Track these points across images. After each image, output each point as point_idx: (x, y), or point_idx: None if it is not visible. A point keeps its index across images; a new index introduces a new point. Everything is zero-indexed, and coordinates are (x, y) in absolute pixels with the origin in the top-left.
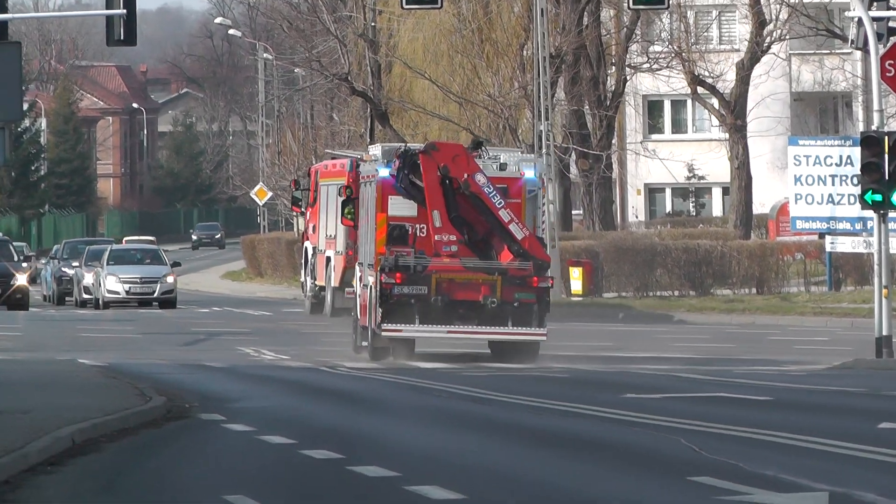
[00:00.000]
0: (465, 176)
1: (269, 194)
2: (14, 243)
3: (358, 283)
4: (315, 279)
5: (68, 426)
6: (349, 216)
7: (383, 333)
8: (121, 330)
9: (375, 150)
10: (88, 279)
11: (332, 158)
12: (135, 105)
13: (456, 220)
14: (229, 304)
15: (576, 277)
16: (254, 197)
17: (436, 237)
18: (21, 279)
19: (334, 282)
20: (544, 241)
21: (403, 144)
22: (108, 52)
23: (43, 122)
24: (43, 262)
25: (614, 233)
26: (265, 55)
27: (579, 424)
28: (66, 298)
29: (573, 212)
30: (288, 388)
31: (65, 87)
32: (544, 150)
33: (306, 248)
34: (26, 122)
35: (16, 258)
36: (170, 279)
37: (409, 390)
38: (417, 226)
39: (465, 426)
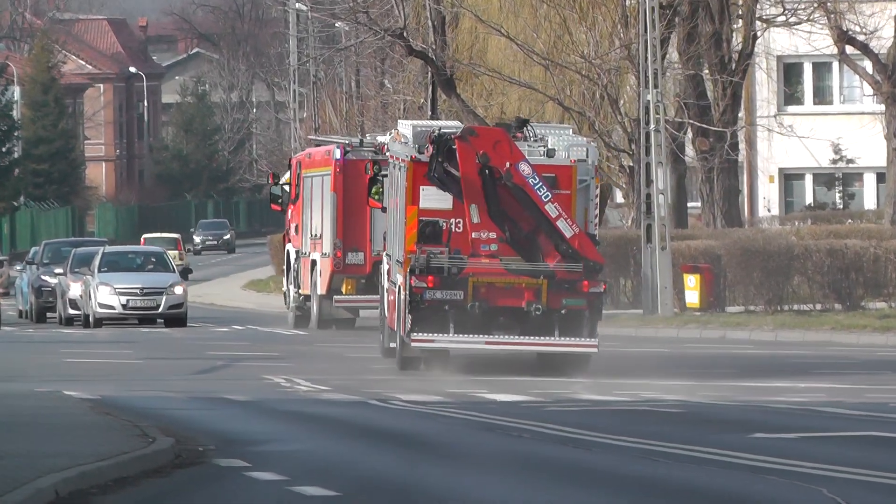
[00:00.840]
0: (508, 165)
1: None
2: None
3: (385, 277)
4: (299, 287)
5: (50, 475)
6: (377, 197)
7: (413, 344)
8: (117, 354)
9: (406, 129)
10: (75, 290)
11: (317, 145)
12: (132, 69)
13: (496, 216)
14: (254, 320)
15: (692, 287)
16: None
17: (473, 234)
18: None
19: (321, 289)
20: (596, 240)
21: (437, 128)
22: (99, 2)
23: (16, 92)
24: (17, 268)
25: (740, 231)
26: (298, 4)
27: (699, 472)
28: (48, 314)
29: (689, 204)
30: (328, 426)
31: (43, 47)
32: (652, 126)
33: (288, 251)
34: None
35: None
36: (178, 290)
37: (482, 430)
38: (453, 221)
39: (559, 477)
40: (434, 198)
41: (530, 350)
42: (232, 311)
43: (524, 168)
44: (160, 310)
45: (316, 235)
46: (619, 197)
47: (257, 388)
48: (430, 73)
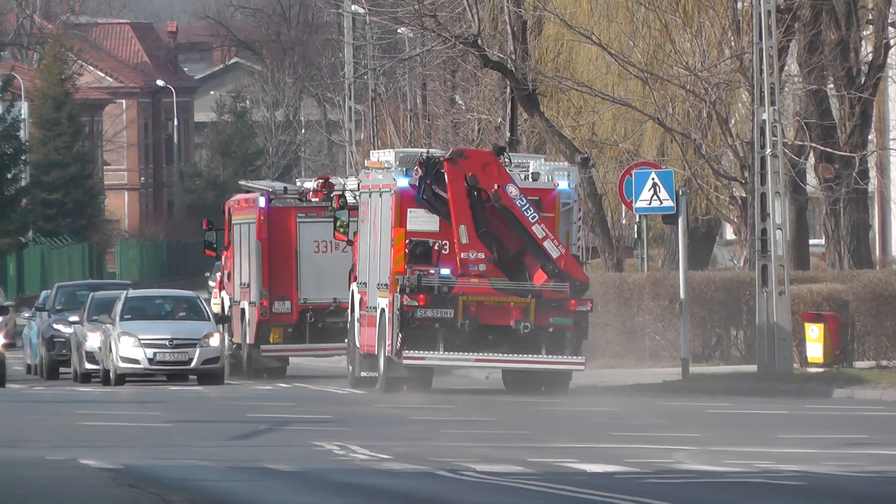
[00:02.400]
0: (496, 187)
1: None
2: None
3: (357, 306)
4: (232, 336)
5: None
6: (342, 230)
7: (404, 361)
8: (142, 416)
9: (388, 156)
10: (93, 341)
11: (247, 191)
12: (160, 82)
13: (485, 237)
14: (302, 376)
15: (814, 338)
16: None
17: (462, 255)
18: None
19: (249, 338)
20: (581, 260)
21: (426, 150)
22: (120, 3)
23: (23, 108)
24: (26, 315)
25: (871, 272)
26: (354, 7)
27: None
28: (61, 369)
29: (811, 241)
30: (390, 502)
31: (55, 56)
32: (768, 150)
33: (223, 299)
34: None
35: None
36: (214, 341)
37: None
38: (441, 242)
39: None
40: (421, 220)
41: (518, 367)
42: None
43: (512, 190)
44: (193, 365)
45: (244, 284)
46: (728, 233)
47: (306, 455)
48: (508, 88)
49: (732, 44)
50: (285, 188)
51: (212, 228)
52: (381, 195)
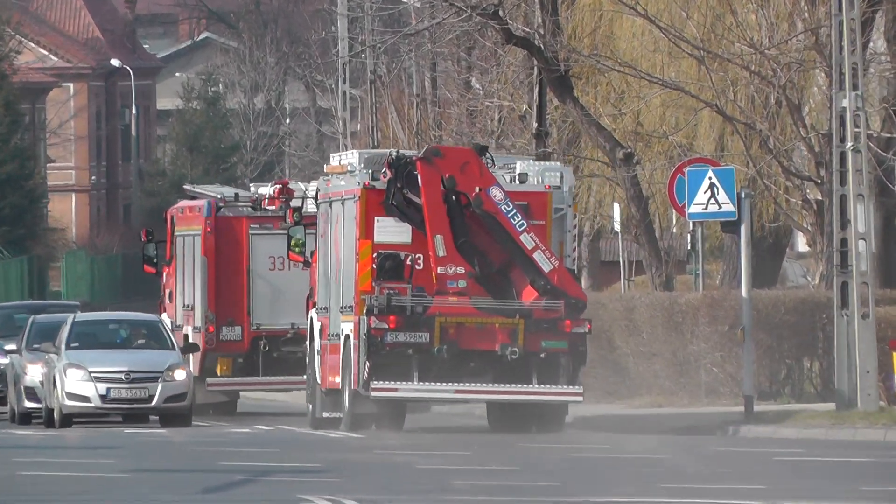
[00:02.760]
0: (478, 190)
1: None
2: None
3: (318, 336)
4: None
5: None
6: (297, 250)
7: (373, 394)
8: (93, 465)
9: (351, 157)
10: (34, 374)
11: (191, 198)
12: (115, 62)
13: (465, 248)
14: (287, 417)
15: None
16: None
17: (439, 269)
18: None
19: (193, 370)
20: (576, 275)
21: (395, 150)
22: None
23: None
24: None
25: None
26: None
27: None
28: None
29: None
30: None
31: None
32: (849, 144)
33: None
34: None
35: None
36: (179, 375)
37: None
38: (414, 255)
39: None
40: (391, 230)
41: (505, 399)
42: (256, 401)
43: (496, 193)
44: (154, 403)
45: (187, 306)
46: (801, 244)
47: None
48: (535, 69)
49: (806, 16)
50: (236, 195)
51: (151, 240)
52: (343, 203)
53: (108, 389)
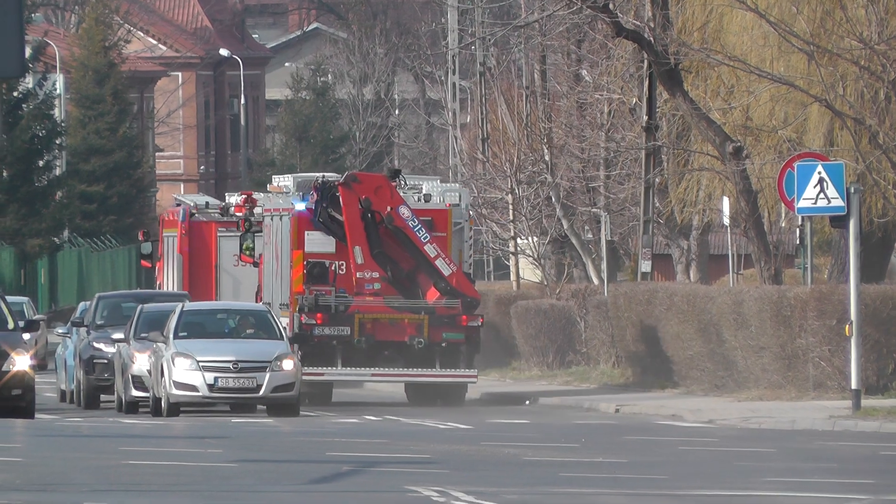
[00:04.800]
0: (389, 209)
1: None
2: (8, 298)
3: None
4: None
5: None
6: (248, 252)
7: (303, 377)
8: (199, 455)
9: (286, 181)
10: (142, 363)
11: (177, 205)
12: (224, 52)
13: (379, 257)
14: (394, 409)
15: None
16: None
17: (358, 274)
18: (20, 362)
19: None
20: (472, 278)
21: (321, 176)
22: None
23: (58, 82)
24: (59, 331)
25: None
26: None
27: None
28: (103, 397)
29: None
30: None
31: (97, 19)
32: None
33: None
34: (28, 81)
35: (10, 325)
36: (287, 364)
37: None
38: (337, 263)
39: None
40: (318, 242)
41: (413, 381)
42: (363, 394)
43: (404, 211)
44: (262, 392)
45: None
46: None
47: (398, 503)
48: (645, 62)
49: None
50: (207, 203)
51: (147, 239)
52: (280, 218)
53: (216, 379)
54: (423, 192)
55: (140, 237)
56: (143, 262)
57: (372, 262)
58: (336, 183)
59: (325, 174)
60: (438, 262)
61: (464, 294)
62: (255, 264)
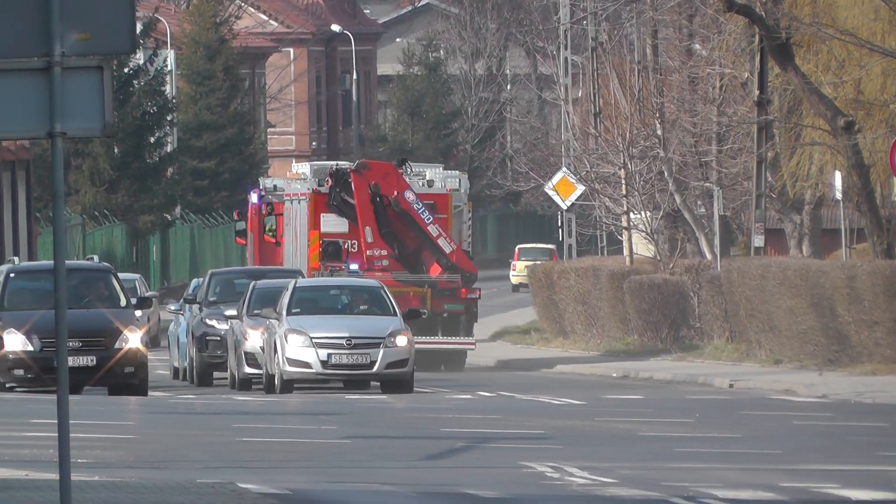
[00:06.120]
0: (395, 193)
1: (580, 189)
2: (120, 275)
3: None
4: None
5: None
6: (270, 234)
7: None
8: (313, 431)
9: (304, 168)
10: (255, 340)
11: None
12: (335, 28)
13: (387, 236)
14: (508, 384)
15: None
16: (551, 194)
17: (368, 252)
18: (133, 340)
19: None
20: (470, 255)
21: (335, 164)
22: None
23: (169, 58)
24: (172, 308)
25: None
26: None
27: None
28: (215, 374)
29: None
30: None
31: None
32: None
33: None
34: (139, 57)
35: (122, 302)
36: (401, 341)
37: None
38: (349, 241)
39: None
40: (332, 223)
41: (419, 348)
42: (477, 368)
43: (409, 195)
44: (375, 369)
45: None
46: None
47: (513, 479)
48: (757, 37)
49: None
50: (275, 186)
51: (241, 218)
52: (299, 202)
53: (330, 355)
54: (427, 178)
55: (235, 216)
56: (238, 240)
57: (380, 241)
58: (348, 170)
59: (339, 163)
60: (440, 241)
61: (463, 269)
62: (277, 243)
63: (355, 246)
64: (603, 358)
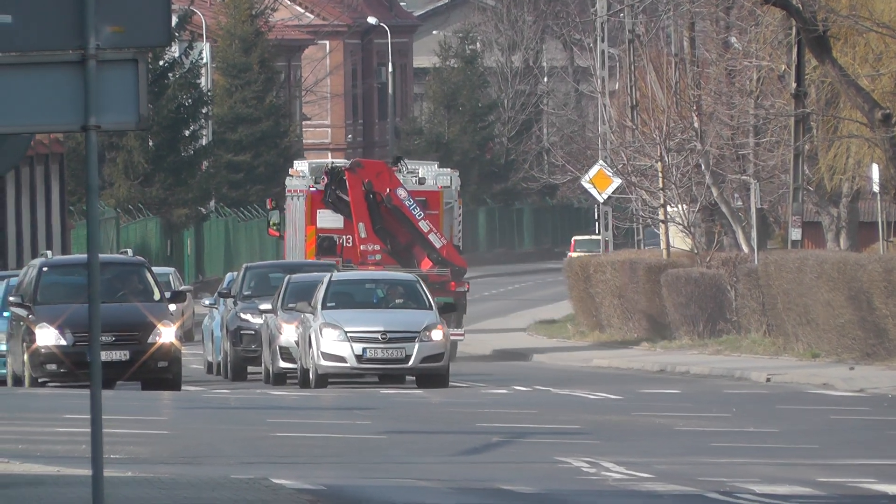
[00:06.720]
0: (388, 190)
1: (616, 182)
2: (154, 269)
3: None
4: None
5: None
6: (276, 227)
7: None
8: (348, 426)
9: (303, 166)
10: (289, 334)
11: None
12: (371, 20)
13: (380, 232)
14: (545, 378)
15: None
16: (588, 187)
17: (361, 247)
18: (166, 334)
19: None
20: (460, 249)
21: (330, 162)
22: None
23: (205, 51)
24: (206, 303)
25: None
26: None
27: None
28: (250, 368)
29: None
30: None
31: None
32: None
33: None
34: (174, 50)
35: (156, 296)
36: (437, 335)
37: None
38: (344, 237)
39: None
40: (328, 219)
41: None
42: (513, 363)
43: (401, 193)
44: (411, 363)
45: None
46: None
47: (549, 474)
48: (794, 29)
49: None
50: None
51: (276, 208)
52: (298, 198)
53: (365, 349)
54: (420, 175)
55: (268, 205)
56: (271, 231)
57: (374, 236)
58: (343, 168)
59: (334, 161)
60: (431, 236)
61: (453, 263)
62: (281, 237)
63: (349, 241)
64: (639, 352)
